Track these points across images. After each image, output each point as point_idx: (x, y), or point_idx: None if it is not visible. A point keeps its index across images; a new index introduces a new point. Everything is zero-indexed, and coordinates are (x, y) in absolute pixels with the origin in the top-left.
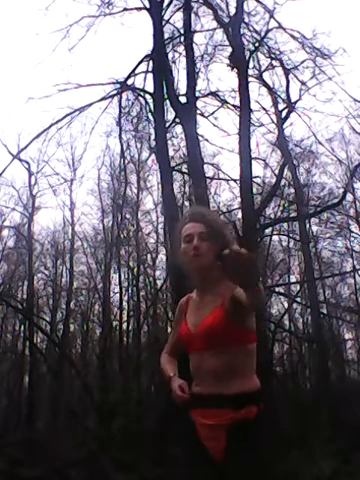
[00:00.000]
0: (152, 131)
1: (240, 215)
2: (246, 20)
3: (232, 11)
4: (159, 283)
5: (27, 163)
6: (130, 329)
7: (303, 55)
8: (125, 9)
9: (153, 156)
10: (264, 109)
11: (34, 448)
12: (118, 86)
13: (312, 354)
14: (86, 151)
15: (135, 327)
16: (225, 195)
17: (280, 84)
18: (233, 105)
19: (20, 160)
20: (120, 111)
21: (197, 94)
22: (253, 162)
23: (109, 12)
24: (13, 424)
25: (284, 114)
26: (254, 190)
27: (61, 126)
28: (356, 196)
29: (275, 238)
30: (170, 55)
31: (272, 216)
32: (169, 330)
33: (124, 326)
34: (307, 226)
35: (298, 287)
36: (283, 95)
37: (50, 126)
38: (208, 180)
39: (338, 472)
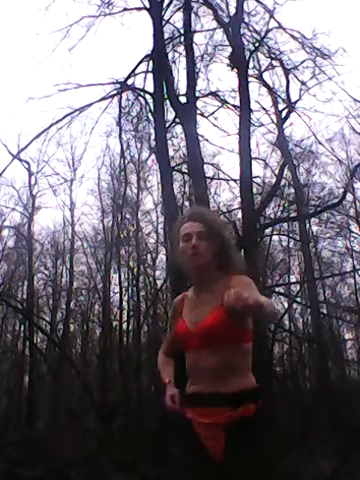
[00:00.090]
0: (152, 131)
1: (240, 215)
2: (246, 20)
3: (232, 11)
4: (159, 283)
5: (27, 163)
6: (130, 329)
7: (303, 55)
8: (125, 9)
9: (153, 156)
10: (264, 109)
11: (34, 448)
12: (118, 86)
13: (312, 354)
14: (86, 151)
15: (135, 327)
16: (225, 195)
17: (280, 84)
18: (233, 105)
19: (20, 160)
20: (120, 111)
21: (197, 94)
22: (253, 162)
23: (109, 12)
24: (13, 424)
25: (284, 114)
26: (254, 190)
27: (61, 126)
28: (356, 196)
29: (275, 238)
30: (170, 55)
31: (272, 216)
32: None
33: (124, 326)
34: (307, 226)
35: (298, 287)
36: (283, 95)
37: (50, 126)
38: (208, 180)
39: (338, 472)
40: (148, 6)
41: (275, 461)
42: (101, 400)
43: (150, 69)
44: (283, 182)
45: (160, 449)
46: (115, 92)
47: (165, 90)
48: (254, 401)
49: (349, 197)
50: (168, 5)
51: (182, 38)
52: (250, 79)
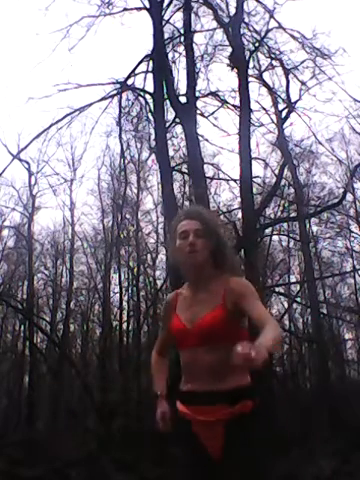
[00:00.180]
0: (152, 131)
1: (240, 215)
2: (246, 20)
3: (232, 11)
4: (159, 283)
5: (27, 163)
6: (130, 329)
7: (303, 55)
8: (125, 9)
9: (153, 156)
10: (264, 109)
11: (34, 448)
12: (118, 86)
13: (312, 354)
14: (86, 151)
15: (135, 327)
16: (225, 195)
17: (280, 84)
18: (233, 105)
19: (20, 160)
20: (120, 111)
21: (197, 94)
22: (253, 162)
23: (109, 12)
24: (13, 424)
25: (284, 114)
26: (254, 190)
27: (61, 126)
28: (356, 196)
29: (275, 238)
30: (170, 55)
31: (272, 216)
32: None
33: (124, 326)
34: (307, 226)
35: (298, 287)
36: (283, 95)
37: (50, 126)
38: (208, 180)
39: (338, 472)
40: (148, 6)
41: (272, 457)
42: (101, 400)
43: (150, 69)
44: (283, 182)
45: (160, 449)
46: (115, 92)
47: (165, 90)
48: (251, 398)
49: (349, 197)
50: (168, 5)
51: (182, 38)
52: (250, 79)
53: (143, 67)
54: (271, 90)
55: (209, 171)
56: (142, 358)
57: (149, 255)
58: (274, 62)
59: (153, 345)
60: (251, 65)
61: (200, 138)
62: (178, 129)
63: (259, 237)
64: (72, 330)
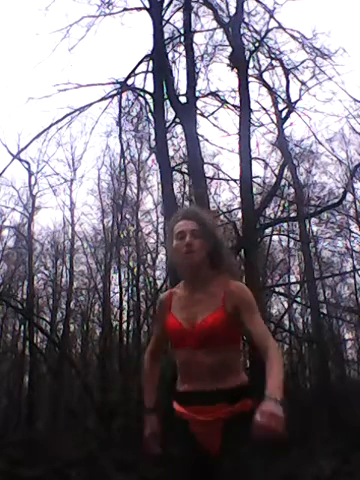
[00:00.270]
0: (152, 131)
1: (240, 215)
2: (246, 20)
3: (232, 11)
4: (159, 283)
5: (27, 163)
6: (130, 329)
7: (303, 55)
8: (125, 9)
9: (153, 156)
10: (264, 109)
11: (34, 448)
12: (118, 86)
13: (312, 354)
14: (86, 151)
15: (135, 327)
16: (225, 195)
17: (280, 84)
18: (233, 105)
19: (20, 160)
20: (120, 111)
21: (197, 94)
22: (253, 162)
23: (109, 12)
24: (13, 424)
25: (284, 114)
26: (254, 190)
27: (61, 126)
28: (356, 196)
29: (275, 238)
30: (170, 55)
31: (272, 216)
32: None
33: (124, 326)
34: (307, 226)
35: (298, 287)
36: (283, 95)
37: (50, 126)
38: (208, 180)
39: (338, 472)
40: (148, 6)
41: (272, 456)
42: (101, 400)
43: (150, 69)
44: (283, 182)
45: (160, 449)
46: (115, 92)
47: (165, 90)
48: (250, 397)
49: (349, 197)
50: (168, 5)
51: (182, 38)
52: (250, 79)
53: (143, 67)
54: (271, 90)
55: (209, 171)
56: (142, 358)
57: (149, 255)
58: (274, 62)
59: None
60: (251, 65)
61: (200, 138)
62: (178, 129)
63: (259, 237)
64: (72, 330)
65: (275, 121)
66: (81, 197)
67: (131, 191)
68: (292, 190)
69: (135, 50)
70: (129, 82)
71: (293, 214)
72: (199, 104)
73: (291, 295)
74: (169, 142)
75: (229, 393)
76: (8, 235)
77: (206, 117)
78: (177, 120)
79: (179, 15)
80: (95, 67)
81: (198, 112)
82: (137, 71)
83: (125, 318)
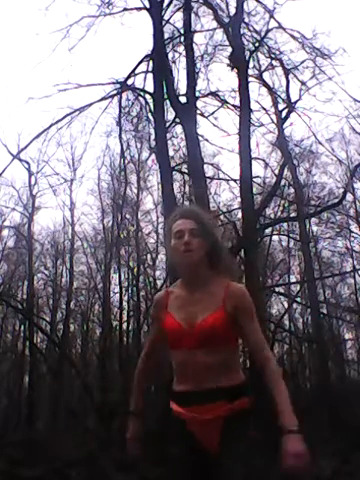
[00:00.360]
0: (152, 131)
1: (240, 215)
2: (246, 20)
3: (232, 11)
4: (159, 283)
5: (27, 163)
6: (130, 329)
7: (303, 55)
8: (125, 9)
9: (153, 156)
10: (264, 109)
11: (34, 448)
12: (118, 86)
13: (312, 354)
14: (86, 151)
15: (135, 327)
16: (225, 195)
17: (280, 84)
18: (233, 105)
19: (20, 160)
20: (120, 111)
21: (197, 94)
22: (253, 162)
23: (109, 12)
24: (13, 424)
25: (284, 114)
26: (254, 190)
27: (61, 126)
28: (356, 196)
29: (275, 238)
30: (170, 55)
31: (272, 216)
32: None
33: (124, 326)
34: (307, 226)
35: (298, 287)
36: (283, 95)
37: (50, 126)
38: (208, 180)
39: (338, 472)
40: (148, 6)
41: (272, 456)
42: (101, 400)
43: (150, 69)
44: (283, 182)
45: (160, 449)
46: (115, 92)
47: (165, 90)
48: (247, 395)
49: (349, 197)
50: (168, 5)
51: (182, 38)
52: (250, 79)
53: (143, 67)
54: (271, 90)
55: (209, 171)
56: None
57: (149, 255)
58: (274, 62)
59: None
60: (251, 65)
61: (200, 138)
62: (178, 129)
63: (259, 237)
64: (72, 330)
65: (275, 121)
66: (81, 197)
67: (131, 191)
68: (292, 190)
69: (135, 50)
70: (129, 82)
71: (293, 214)
72: (199, 104)
73: (291, 295)
74: (169, 142)
75: (229, 391)
76: (8, 235)
77: (206, 117)
78: (177, 120)
79: (179, 15)
80: (95, 67)
81: (198, 112)
82: (137, 71)
83: (125, 318)
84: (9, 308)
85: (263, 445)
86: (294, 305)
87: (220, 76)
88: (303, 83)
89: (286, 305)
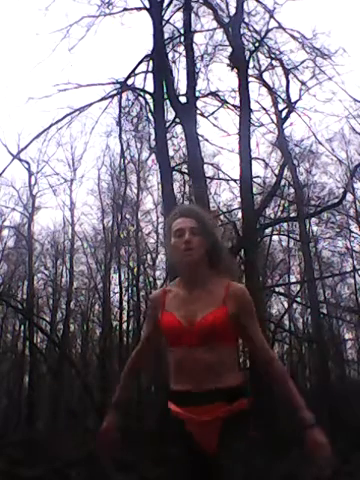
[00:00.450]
0: (152, 131)
1: (240, 215)
2: (246, 20)
3: (232, 11)
4: (159, 283)
5: (27, 163)
6: (130, 329)
7: (303, 55)
8: (125, 9)
9: (153, 156)
10: (264, 109)
11: (34, 448)
12: (118, 86)
13: (312, 354)
14: (86, 151)
15: (135, 327)
16: (225, 195)
17: (280, 84)
18: (233, 105)
19: (20, 160)
20: (120, 111)
21: (197, 94)
22: (253, 162)
23: (109, 12)
24: (13, 424)
25: (284, 114)
26: (254, 190)
27: (61, 126)
28: (356, 196)
29: (275, 238)
30: (170, 55)
31: (272, 216)
32: None
33: (124, 326)
34: (307, 226)
35: (298, 287)
36: (283, 95)
37: (50, 126)
38: (208, 180)
39: (338, 472)
40: (148, 6)
41: (272, 456)
42: (101, 400)
43: (150, 69)
44: (283, 182)
45: (160, 449)
46: (115, 92)
47: (165, 90)
48: (245, 396)
49: (349, 197)
50: (168, 5)
51: (182, 38)
52: (250, 79)
53: (143, 67)
54: (271, 90)
55: (209, 171)
56: None
57: (149, 255)
58: (274, 62)
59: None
60: (251, 65)
61: (200, 138)
62: (178, 129)
63: (259, 237)
64: (72, 330)
65: (275, 121)
66: (81, 197)
67: (131, 191)
68: (292, 190)
69: (135, 50)
70: (129, 82)
71: (293, 214)
72: (199, 104)
73: (291, 295)
74: (169, 142)
75: (228, 392)
76: (8, 235)
77: (206, 117)
78: (177, 120)
79: (179, 15)
80: (95, 67)
81: (198, 112)
82: (137, 71)
83: (125, 318)
84: (9, 308)
85: (263, 445)
86: (294, 305)
87: (220, 76)
88: (303, 83)
89: (286, 305)
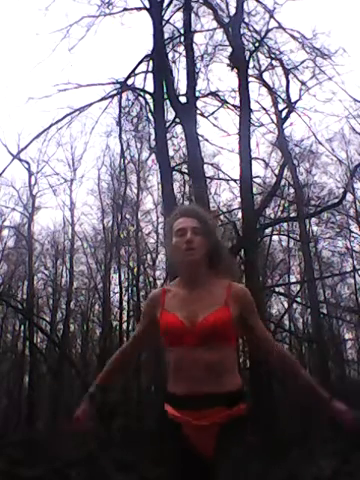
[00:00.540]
0: (152, 131)
1: (240, 215)
2: (246, 20)
3: (232, 11)
4: (159, 283)
5: (27, 163)
6: (130, 329)
7: (303, 55)
8: (125, 9)
9: (153, 156)
10: (264, 109)
11: (34, 448)
12: (118, 86)
13: (312, 354)
14: (86, 151)
15: (135, 327)
16: (225, 195)
17: (280, 84)
18: (233, 105)
19: (20, 160)
20: (120, 111)
21: (197, 94)
22: (253, 162)
23: (109, 12)
24: (13, 424)
25: (284, 114)
26: (254, 190)
27: (61, 126)
28: (356, 196)
29: (275, 238)
30: (170, 55)
31: (272, 216)
32: None
33: (124, 326)
34: (307, 226)
35: (298, 287)
36: (283, 95)
37: (50, 126)
38: (208, 180)
39: (338, 472)
40: (148, 6)
41: (271, 458)
42: (101, 400)
43: (150, 69)
44: (283, 182)
45: (160, 449)
46: (115, 92)
47: (165, 90)
48: (244, 401)
49: (349, 197)
50: (168, 5)
51: (182, 38)
52: (250, 79)
53: (143, 67)
54: (271, 90)
55: (209, 171)
56: (142, 358)
57: (149, 255)
58: (274, 62)
59: (153, 345)
60: (251, 65)
61: (200, 138)
62: (178, 129)
63: (259, 237)
64: (72, 330)
65: (275, 121)
66: (81, 197)
67: (131, 191)
68: (292, 190)
69: (135, 50)
70: (129, 82)
71: (293, 214)
72: (199, 104)
73: (291, 295)
74: (169, 142)
75: (228, 396)
76: (8, 235)
77: (206, 117)
78: (177, 120)
79: (179, 15)
80: (95, 67)
81: (198, 112)
82: (137, 71)
83: (125, 318)
84: (9, 308)
85: (261, 450)
86: (294, 305)
87: (220, 76)
88: (303, 83)
89: (286, 305)
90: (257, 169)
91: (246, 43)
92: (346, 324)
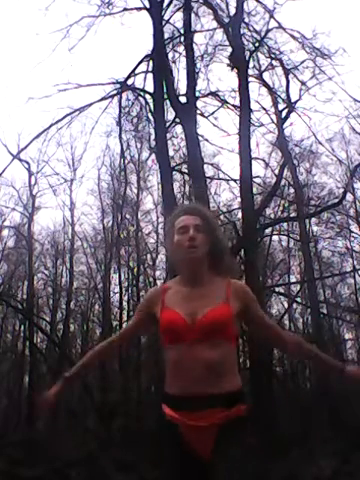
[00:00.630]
0: (152, 131)
1: (240, 215)
2: (246, 20)
3: (232, 11)
4: (159, 283)
5: (27, 163)
6: None
7: (303, 55)
8: (125, 9)
9: (153, 156)
10: (264, 109)
11: (34, 448)
12: (118, 86)
13: None
14: (86, 151)
15: None
16: (225, 195)
17: (280, 84)
18: (233, 105)
19: (20, 160)
20: (120, 111)
21: (197, 94)
22: (253, 162)
23: (109, 12)
24: (13, 424)
25: (284, 114)
26: (254, 190)
27: (61, 126)
28: (356, 196)
29: (275, 238)
30: (170, 55)
31: (272, 216)
32: None
33: (124, 326)
34: (307, 226)
35: (298, 287)
36: (283, 95)
37: (50, 126)
38: (208, 180)
39: (338, 472)
40: (148, 6)
41: (272, 458)
42: (101, 400)
43: (150, 69)
44: (283, 182)
45: (160, 449)
46: (115, 92)
47: (165, 90)
48: (243, 402)
49: (349, 197)
50: (168, 5)
51: (182, 38)
52: (250, 79)
53: (143, 67)
54: (271, 90)
55: (209, 171)
56: (142, 358)
57: (149, 255)
58: (274, 62)
59: (153, 345)
60: (251, 65)
61: (200, 138)
62: (178, 129)
63: (259, 237)
64: (72, 330)
65: (275, 121)
66: (81, 197)
67: (131, 191)
68: (292, 190)
69: (135, 50)
70: (129, 82)
71: (293, 214)
72: (199, 104)
73: (291, 295)
74: (169, 142)
75: (227, 397)
76: (8, 235)
77: (206, 117)
78: (177, 120)
79: (179, 15)
80: (95, 67)
81: (198, 112)
82: (137, 71)
83: (125, 318)
84: (9, 308)
85: (260, 450)
86: (294, 305)
87: (220, 76)
88: (303, 83)
89: (286, 305)
90: (257, 169)
91: (246, 43)
92: (346, 324)
